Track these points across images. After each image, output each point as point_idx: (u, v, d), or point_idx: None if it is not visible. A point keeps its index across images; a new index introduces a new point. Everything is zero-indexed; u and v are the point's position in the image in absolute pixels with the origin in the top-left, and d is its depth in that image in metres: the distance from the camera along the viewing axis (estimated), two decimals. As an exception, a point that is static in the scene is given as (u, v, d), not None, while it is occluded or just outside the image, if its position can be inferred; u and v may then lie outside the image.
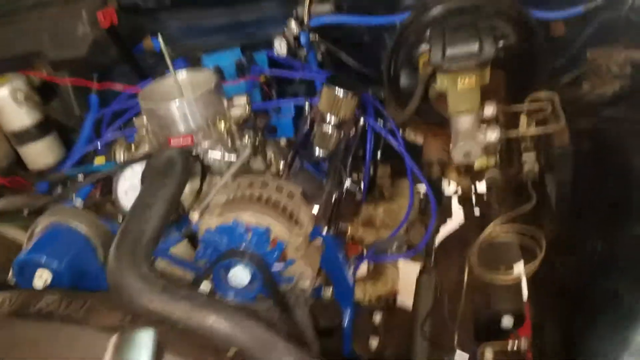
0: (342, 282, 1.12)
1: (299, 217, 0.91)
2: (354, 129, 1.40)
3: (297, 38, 1.49)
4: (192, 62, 1.59)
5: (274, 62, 1.58)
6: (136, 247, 0.76)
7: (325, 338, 1.05)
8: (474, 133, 1.07)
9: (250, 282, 0.84)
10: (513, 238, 1.21)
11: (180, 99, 1.19)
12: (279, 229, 0.86)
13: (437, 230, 1.48)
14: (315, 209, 0.99)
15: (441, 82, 1.07)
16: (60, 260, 0.88)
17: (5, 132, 1.59)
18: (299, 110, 1.51)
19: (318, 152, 1.34)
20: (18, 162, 1.67)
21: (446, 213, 1.53)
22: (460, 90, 1.03)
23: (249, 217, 0.85)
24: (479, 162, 1.20)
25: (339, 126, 1.35)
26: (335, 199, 1.18)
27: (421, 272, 1.37)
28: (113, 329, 0.71)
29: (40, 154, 1.63)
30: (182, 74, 1.32)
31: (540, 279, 1.19)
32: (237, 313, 0.71)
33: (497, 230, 1.23)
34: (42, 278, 0.88)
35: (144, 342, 0.68)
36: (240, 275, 0.84)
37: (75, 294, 0.79)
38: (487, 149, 1.15)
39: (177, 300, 0.71)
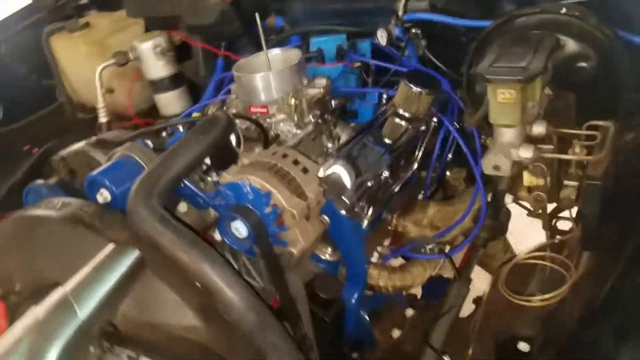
0: (353, 264, 1.20)
1: (304, 191, 1.01)
2: (424, 126, 1.44)
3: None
4: (305, 42, 1.74)
5: (378, 51, 1.65)
6: (153, 184, 0.93)
7: (323, 309, 1.14)
8: (508, 148, 1.06)
9: (247, 236, 0.97)
10: (546, 263, 1.18)
11: (261, 73, 1.35)
12: (279, 197, 0.98)
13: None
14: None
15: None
16: (118, 186, 1.09)
17: (147, 80, 1.90)
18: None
19: (385, 140, 1.40)
20: (155, 108, 1.99)
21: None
22: (500, 102, 1.03)
23: (255, 181, 0.98)
24: (527, 180, 1.17)
25: (409, 120, 1.40)
26: (372, 187, 1.25)
27: (454, 280, 1.38)
28: (117, 242, 0.89)
29: (170, 103, 1.92)
30: (276, 52, 1.48)
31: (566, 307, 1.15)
32: (207, 260, 0.84)
33: (532, 253, 1.20)
34: (102, 196, 1.10)
35: (128, 256, 0.85)
36: (239, 228, 0.98)
37: (109, 212, 0.99)
38: (534, 169, 1.12)
39: (166, 232, 0.87)
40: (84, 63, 1.90)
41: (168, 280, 0.89)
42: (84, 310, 0.73)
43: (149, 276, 0.89)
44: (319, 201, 1.06)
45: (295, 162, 1.04)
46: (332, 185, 1.21)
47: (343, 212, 1.16)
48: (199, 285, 0.86)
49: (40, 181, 1.21)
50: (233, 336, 0.87)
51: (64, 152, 1.28)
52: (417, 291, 1.61)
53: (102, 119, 1.86)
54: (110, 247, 0.86)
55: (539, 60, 0.99)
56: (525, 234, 1.55)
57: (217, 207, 1.03)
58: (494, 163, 1.06)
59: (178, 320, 0.88)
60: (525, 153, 1.04)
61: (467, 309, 1.58)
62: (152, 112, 2.01)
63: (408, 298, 1.52)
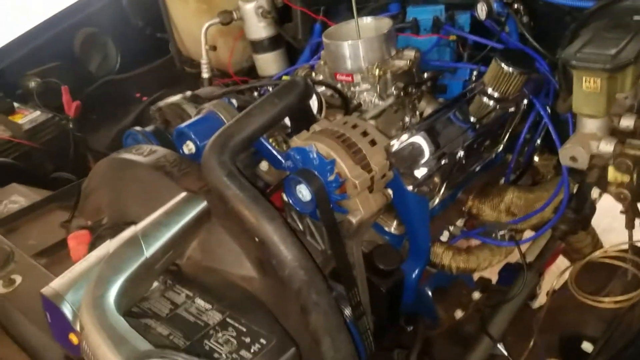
0: (416, 239, 1.20)
1: (369, 162, 1.03)
2: (514, 107, 1.39)
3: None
4: (403, 10, 1.71)
5: (479, 24, 1.59)
6: (226, 142, 0.99)
7: (381, 278, 1.16)
8: (589, 140, 1.00)
9: (310, 199, 1.01)
10: (621, 264, 1.12)
11: (348, 41, 1.36)
12: (342, 166, 1.00)
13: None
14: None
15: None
16: (202, 139, 1.17)
17: (248, 40, 1.97)
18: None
19: (471, 118, 1.37)
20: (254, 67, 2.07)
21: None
22: (584, 91, 0.98)
23: (322, 148, 1.01)
24: (611, 175, 1.10)
25: (498, 100, 1.36)
26: (447, 164, 1.24)
27: (527, 268, 1.33)
28: (190, 190, 0.97)
29: (269, 63, 1.98)
30: (368, 20, 1.48)
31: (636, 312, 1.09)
32: (266, 217, 0.89)
33: (608, 252, 1.14)
34: (187, 147, 1.19)
35: (195, 205, 0.93)
36: (303, 191, 1.02)
37: (187, 163, 1.07)
38: (619, 164, 1.06)
39: (232, 186, 0.93)
40: (192, 19, 2.01)
41: (231, 231, 0.96)
42: (150, 249, 0.82)
43: (214, 225, 0.96)
44: (384, 174, 1.07)
45: (364, 134, 1.05)
46: (405, 158, 1.23)
47: (410, 188, 1.17)
48: (257, 239, 0.92)
49: (138, 128, 1.33)
50: (283, 291, 0.92)
51: (161, 103, 1.38)
52: (494, 276, 1.59)
53: (205, 74, 1.97)
54: (182, 194, 0.94)
55: (632, 49, 0.92)
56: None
57: (287, 168, 1.08)
58: (571, 154, 1.01)
59: (236, 269, 0.95)
60: (606, 147, 0.98)
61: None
62: (251, 71, 2.09)
63: (481, 281, 1.50)
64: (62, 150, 1.77)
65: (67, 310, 0.72)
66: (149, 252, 0.82)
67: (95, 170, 1.17)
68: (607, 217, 1.54)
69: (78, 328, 0.71)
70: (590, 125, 1.02)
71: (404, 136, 1.24)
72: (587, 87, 0.96)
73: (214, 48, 1.96)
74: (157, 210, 0.90)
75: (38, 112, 1.81)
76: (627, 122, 1.01)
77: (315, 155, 1.01)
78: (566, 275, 1.21)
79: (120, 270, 0.77)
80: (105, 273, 0.76)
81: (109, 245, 0.81)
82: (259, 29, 1.90)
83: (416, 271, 1.23)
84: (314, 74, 1.51)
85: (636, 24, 1.02)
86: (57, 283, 0.75)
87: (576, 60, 0.96)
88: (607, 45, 0.96)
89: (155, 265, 0.83)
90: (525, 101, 1.38)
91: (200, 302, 0.85)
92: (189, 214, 0.90)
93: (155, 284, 0.89)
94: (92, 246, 0.95)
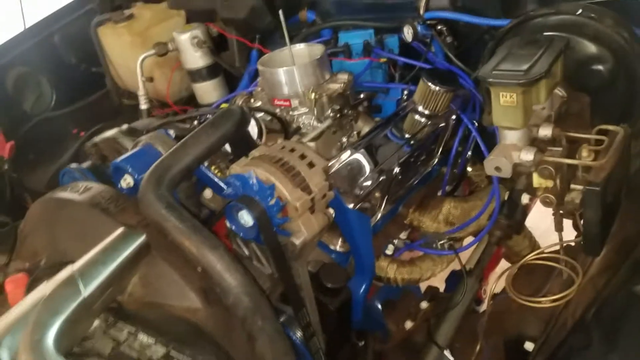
0: (360, 256, 1.23)
1: (309, 184, 1.05)
2: (444, 122, 1.45)
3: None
4: (335, 36, 1.77)
5: (407, 46, 1.66)
6: (164, 173, 0.99)
7: (330, 297, 1.18)
8: (510, 150, 1.06)
9: (253, 225, 1.03)
10: (554, 264, 1.18)
11: (283, 67, 1.39)
12: (282, 189, 1.02)
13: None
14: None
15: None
16: (140, 172, 1.16)
17: (185, 70, 1.98)
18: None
19: (405, 135, 1.43)
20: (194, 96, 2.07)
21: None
22: (502, 105, 1.04)
23: (261, 173, 1.03)
24: (536, 181, 1.17)
25: (429, 117, 1.42)
26: (386, 179, 1.28)
27: (468, 274, 1.39)
28: (128, 225, 0.97)
29: (208, 92, 2.00)
30: (301, 46, 1.52)
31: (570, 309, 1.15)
32: (207, 246, 0.90)
33: (542, 254, 1.21)
34: (125, 181, 1.18)
35: (134, 239, 0.93)
36: (245, 217, 1.03)
37: (124, 198, 1.07)
38: (542, 171, 1.12)
39: (171, 218, 0.93)
40: (127, 52, 2.00)
41: (172, 263, 0.97)
42: (88, 288, 0.81)
43: (155, 258, 0.96)
44: (324, 195, 1.09)
45: (302, 157, 1.08)
46: (344, 177, 1.26)
47: (351, 206, 1.20)
48: (199, 269, 0.92)
49: (74, 165, 1.31)
50: (228, 320, 0.93)
51: (96, 139, 1.37)
52: (442, 284, 1.63)
53: (143, 105, 1.97)
54: (119, 230, 0.93)
55: (543, 63, 0.99)
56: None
57: (228, 195, 1.09)
58: (495, 164, 1.07)
59: (179, 302, 0.95)
60: (526, 156, 1.04)
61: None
62: (191, 100, 2.10)
63: (429, 290, 1.55)
64: (-3, 193, 1.73)
65: (4, 356, 0.70)
66: (86, 291, 0.81)
67: (31, 211, 1.14)
68: (545, 220, 1.63)
69: (16, 374, 0.69)
70: (511, 137, 1.08)
71: (344, 155, 1.28)
72: (504, 101, 1.02)
73: (150, 79, 1.96)
74: (95, 248, 0.90)
75: (-31, 156, 1.76)
76: (545, 132, 1.07)
77: (254, 181, 1.03)
78: (504, 278, 1.26)
79: (58, 312, 0.76)
80: (42, 316, 0.75)
81: (45, 288, 0.80)
82: (196, 59, 1.92)
83: (363, 287, 1.25)
84: (252, 100, 1.53)
85: (546, 39, 1.09)
86: (-8, 330, 0.73)
87: (492, 78, 1.02)
88: (520, 61, 1.02)
89: (94, 305, 0.83)
90: (454, 116, 1.44)
91: (143, 337, 0.85)
92: (127, 249, 0.90)
93: (97, 322, 0.88)
94: (30, 288, 0.93)
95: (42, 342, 0.71)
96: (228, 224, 1.10)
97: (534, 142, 1.10)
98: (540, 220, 1.74)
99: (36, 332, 0.72)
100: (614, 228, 1.14)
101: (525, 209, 1.42)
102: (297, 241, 1.06)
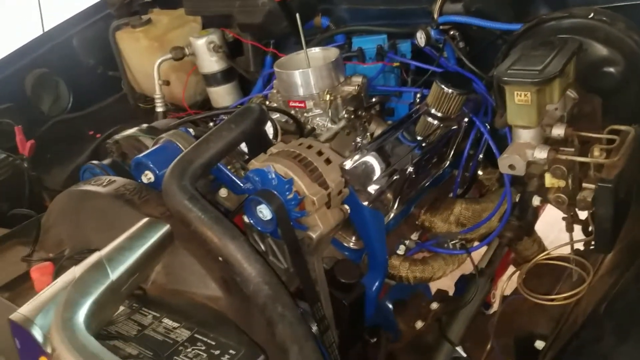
0: (373, 253, 1.25)
1: (325, 180, 1.08)
2: (456, 125, 1.48)
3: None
4: (349, 41, 1.80)
5: (420, 51, 1.70)
6: (186, 167, 1.02)
7: (344, 292, 1.20)
8: (524, 149, 1.09)
9: (271, 218, 1.06)
10: (564, 264, 1.20)
11: (299, 69, 1.43)
12: (300, 184, 1.05)
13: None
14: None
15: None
16: (160, 168, 1.19)
17: (201, 74, 2.02)
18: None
19: (417, 137, 1.46)
20: (208, 100, 2.11)
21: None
22: (516, 104, 1.06)
23: (279, 168, 1.06)
24: (548, 181, 1.19)
25: (441, 120, 1.45)
26: (398, 179, 1.30)
27: (479, 275, 1.41)
28: (151, 216, 1.00)
29: (222, 96, 2.04)
30: (316, 50, 1.55)
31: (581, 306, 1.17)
32: (228, 236, 0.93)
33: (552, 254, 1.23)
34: (146, 177, 1.21)
35: (159, 229, 0.95)
36: (264, 211, 1.06)
37: (147, 190, 1.10)
38: (555, 171, 1.14)
39: (194, 209, 0.96)
40: (144, 56, 2.05)
41: (194, 253, 0.99)
42: (115, 272, 0.83)
43: (177, 248, 0.99)
44: (340, 191, 1.12)
45: (319, 153, 1.11)
46: (358, 175, 1.29)
47: (365, 203, 1.22)
48: (220, 259, 0.95)
49: (94, 162, 1.34)
50: (248, 308, 0.95)
51: (117, 136, 1.41)
52: (451, 289, 1.65)
53: (159, 108, 2.01)
54: (144, 220, 0.96)
55: (557, 64, 1.02)
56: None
57: (246, 191, 1.12)
58: (509, 162, 1.09)
59: (201, 290, 0.98)
60: (540, 154, 1.06)
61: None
62: (205, 104, 2.14)
63: (439, 293, 1.57)
64: (17, 190, 1.76)
65: (37, 334, 0.73)
66: (114, 275, 0.84)
67: (55, 203, 1.17)
68: (554, 229, 1.65)
69: (49, 350, 0.72)
70: (525, 135, 1.10)
71: (356, 156, 1.31)
72: (519, 100, 1.05)
73: (167, 83, 2.00)
74: (121, 236, 0.92)
75: (-8, 153, 1.80)
76: (558, 131, 1.10)
77: (273, 176, 1.06)
78: (515, 279, 1.28)
79: (88, 293, 0.79)
80: (73, 296, 0.77)
81: (74, 271, 0.83)
82: (212, 63, 1.96)
83: (376, 284, 1.28)
84: (267, 103, 1.56)
85: (559, 41, 1.12)
86: (25, 309, 0.76)
87: (507, 77, 1.05)
88: (534, 61, 1.05)
89: (121, 288, 0.85)
90: (466, 119, 1.47)
91: (167, 321, 0.87)
92: (152, 238, 0.93)
93: (122, 308, 0.91)
94: (56, 276, 0.96)
95: (72, 320, 0.74)
96: (246, 219, 1.13)
97: (547, 141, 1.12)
98: (549, 230, 1.77)
99: (67, 311, 0.75)
100: (623, 229, 1.16)
101: (536, 211, 1.44)
102: (314, 235, 1.08)
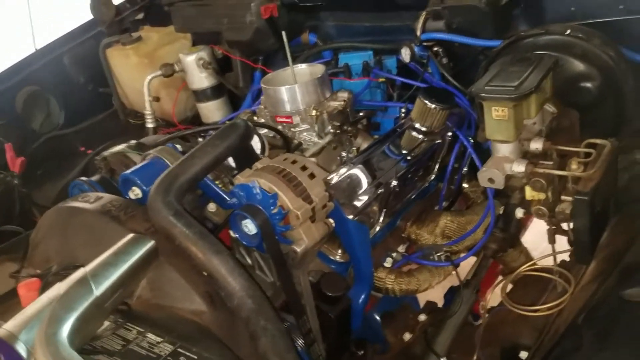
0: (359, 266, 1.27)
1: (310, 194, 1.10)
2: (440, 139, 1.50)
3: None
4: (335, 57, 1.83)
5: (405, 67, 1.73)
6: (172, 182, 1.04)
7: (330, 305, 1.22)
8: (503, 162, 1.11)
9: (256, 233, 1.07)
10: (546, 275, 1.22)
11: (286, 85, 1.45)
12: (284, 199, 1.07)
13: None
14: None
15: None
16: (147, 184, 1.21)
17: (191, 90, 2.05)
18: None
19: (402, 151, 1.48)
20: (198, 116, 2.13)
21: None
22: (494, 119, 1.09)
23: (264, 183, 1.08)
24: (528, 194, 1.21)
25: (425, 134, 1.48)
26: (384, 193, 1.32)
27: (464, 286, 1.42)
28: (137, 232, 1.01)
29: (212, 111, 2.06)
30: (302, 66, 1.58)
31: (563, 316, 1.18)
32: (212, 251, 0.94)
33: (537, 264, 1.25)
34: (134, 193, 1.23)
35: (143, 244, 0.97)
36: (249, 225, 1.08)
37: (133, 206, 1.12)
38: (534, 184, 1.16)
39: (178, 224, 0.97)
40: (134, 73, 2.07)
41: (179, 268, 1.01)
42: (99, 288, 0.85)
43: (162, 263, 1.00)
44: (324, 205, 1.14)
45: (303, 168, 1.13)
46: (344, 189, 1.31)
47: (350, 216, 1.24)
48: (205, 273, 0.96)
49: (84, 178, 1.36)
50: (233, 322, 0.97)
51: (106, 153, 1.42)
52: (440, 301, 1.66)
53: (149, 124, 2.03)
54: (129, 235, 0.98)
55: (533, 79, 1.04)
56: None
57: (232, 205, 1.14)
58: (488, 176, 1.11)
59: (186, 305, 0.99)
60: (518, 168, 1.09)
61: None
62: (195, 119, 2.16)
63: (428, 305, 1.58)
64: (7, 207, 1.78)
65: (21, 349, 0.74)
66: (98, 290, 0.85)
67: (43, 219, 1.19)
68: (544, 240, 1.67)
69: (33, 366, 0.73)
70: (503, 150, 1.13)
71: (343, 169, 1.33)
72: (496, 115, 1.08)
73: (157, 99, 2.03)
74: (106, 252, 0.94)
75: (-18, 171, 1.82)
76: (536, 145, 1.12)
77: (258, 191, 1.08)
78: (498, 290, 1.29)
79: (72, 309, 0.80)
80: (57, 312, 0.79)
81: (59, 287, 0.84)
82: (201, 79, 1.99)
83: (362, 296, 1.29)
84: (255, 118, 1.59)
85: (536, 57, 1.15)
86: (10, 325, 0.77)
87: (485, 93, 1.08)
88: (511, 77, 1.08)
89: (105, 304, 0.87)
90: (450, 133, 1.50)
91: (151, 336, 0.89)
92: (136, 253, 0.94)
93: (106, 323, 0.92)
94: (42, 292, 0.97)
95: (56, 336, 0.75)
96: (232, 233, 1.15)
97: (525, 155, 1.15)
98: (539, 241, 1.79)
99: (51, 326, 0.76)
100: (604, 240, 1.19)
101: (520, 223, 1.46)
102: (299, 249, 1.10)
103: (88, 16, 2.26)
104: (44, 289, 0.98)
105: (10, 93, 2.12)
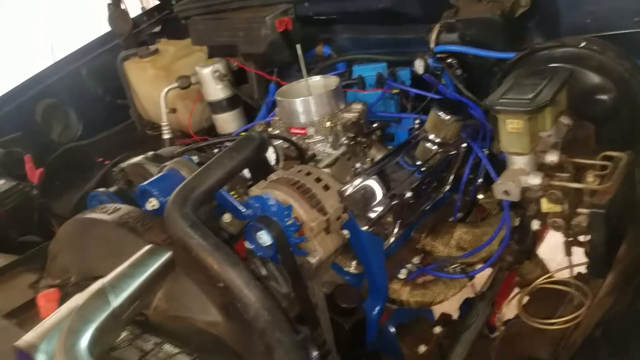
0: (373, 278, 1.27)
1: (324, 206, 1.11)
2: (454, 150, 1.50)
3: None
4: (349, 69, 1.84)
5: (418, 78, 1.73)
6: (188, 194, 1.05)
7: (344, 317, 1.22)
8: (518, 175, 1.11)
9: (270, 244, 1.08)
10: (563, 288, 1.21)
11: (300, 98, 1.47)
12: (299, 210, 1.08)
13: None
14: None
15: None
16: (164, 195, 1.23)
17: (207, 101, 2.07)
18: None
19: (417, 162, 1.48)
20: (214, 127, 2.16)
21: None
22: (509, 131, 1.09)
23: (279, 195, 1.09)
24: (544, 206, 1.21)
25: (439, 145, 1.48)
26: (398, 204, 1.33)
27: (479, 299, 1.42)
28: (154, 243, 1.03)
29: (227, 122, 2.08)
30: (317, 78, 1.60)
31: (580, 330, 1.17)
32: (228, 263, 0.95)
33: (554, 277, 1.24)
34: (151, 204, 1.24)
35: (160, 255, 0.98)
36: (264, 237, 1.08)
37: (150, 218, 1.13)
38: (550, 196, 1.16)
39: (195, 236, 0.99)
40: (151, 85, 2.10)
41: (195, 280, 1.02)
42: (116, 300, 0.86)
43: (179, 275, 1.01)
44: (339, 216, 1.15)
45: (318, 180, 1.14)
46: (358, 200, 1.31)
47: (364, 228, 1.25)
48: (221, 284, 0.97)
49: (102, 189, 1.38)
50: (248, 334, 0.97)
51: (123, 164, 1.45)
52: (455, 313, 1.66)
53: (166, 135, 2.05)
54: (146, 247, 0.99)
55: (548, 92, 1.04)
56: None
57: (247, 217, 1.15)
58: (503, 189, 1.11)
59: (202, 316, 1.00)
60: (533, 180, 1.08)
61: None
62: (211, 130, 2.18)
63: (443, 317, 1.57)
64: (26, 217, 1.81)
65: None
66: (115, 302, 0.86)
67: (62, 231, 1.21)
68: (560, 252, 1.65)
69: (52, 376, 0.74)
70: (519, 162, 1.13)
71: (357, 180, 1.34)
72: (511, 128, 1.08)
73: (173, 110, 2.05)
74: (123, 263, 0.95)
75: (2, 181, 1.85)
76: (551, 157, 1.12)
77: (273, 202, 1.09)
78: (514, 303, 1.29)
79: (90, 320, 0.81)
80: (75, 323, 0.80)
81: (77, 298, 0.85)
82: (217, 91, 2.01)
83: (377, 308, 1.29)
84: (270, 129, 1.60)
85: (550, 70, 1.15)
86: (30, 336, 0.78)
87: (499, 105, 1.08)
88: (526, 90, 1.08)
89: (123, 315, 0.87)
90: (464, 145, 1.50)
91: (168, 347, 0.89)
92: (153, 265, 0.95)
93: (124, 334, 0.93)
94: (61, 303, 0.98)
95: (75, 347, 0.76)
96: (247, 244, 1.16)
97: (541, 167, 1.14)
98: (555, 253, 1.77)
99: (70, 337, 0.77)
100: (621, 252, 1.18)
101: (536, 235, 1.46)
102: (313, 260, 1.10)
103: (106, 29, 2.31)
104: (63, 299, 1.00)
105: (29, 105, 2.16)
